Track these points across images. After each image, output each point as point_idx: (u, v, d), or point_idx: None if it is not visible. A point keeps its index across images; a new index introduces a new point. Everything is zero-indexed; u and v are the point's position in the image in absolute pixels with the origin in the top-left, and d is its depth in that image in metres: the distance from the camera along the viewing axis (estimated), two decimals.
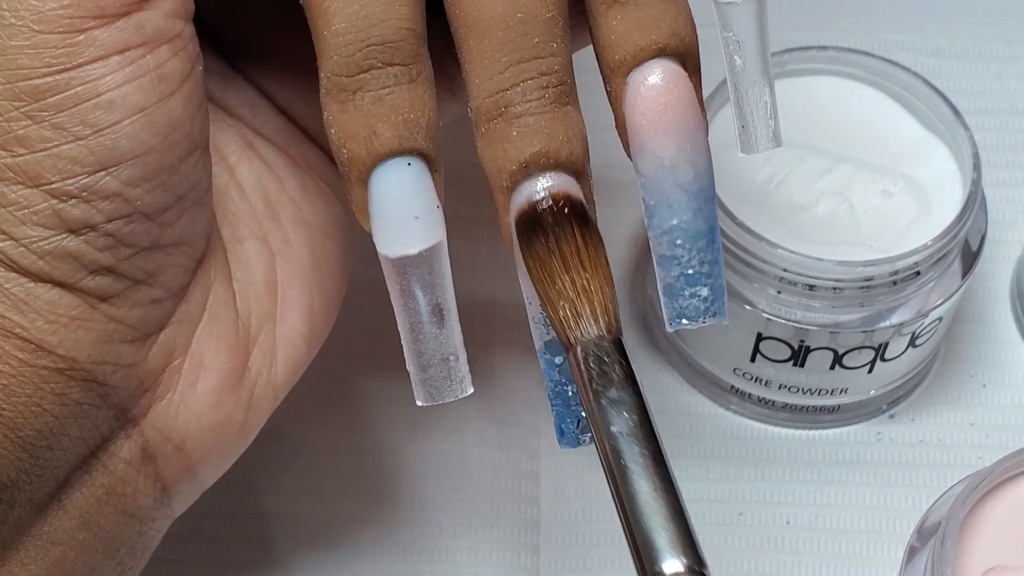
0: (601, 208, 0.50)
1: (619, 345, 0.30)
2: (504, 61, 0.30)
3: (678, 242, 0.31)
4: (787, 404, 0.46)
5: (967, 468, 0.44)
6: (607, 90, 0.32)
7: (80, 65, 0.30)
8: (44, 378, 0.31)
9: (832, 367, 0.44)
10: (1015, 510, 0.39)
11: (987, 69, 0.54)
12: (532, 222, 0.31)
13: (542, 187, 0.30)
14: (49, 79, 0.30)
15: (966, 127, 0.43)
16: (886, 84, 0.45)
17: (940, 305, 0.43)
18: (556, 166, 0.31)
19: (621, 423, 0.30)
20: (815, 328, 0.42)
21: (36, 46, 0.30)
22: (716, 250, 0.32)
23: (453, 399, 0.32)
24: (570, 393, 0.32)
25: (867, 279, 0.41)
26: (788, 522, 0.45)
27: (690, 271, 0.32)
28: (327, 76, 0.30)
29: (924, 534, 0.40)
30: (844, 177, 0.43)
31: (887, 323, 0.42)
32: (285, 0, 0.35)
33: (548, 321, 0.31)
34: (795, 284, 0.41)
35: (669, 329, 0.32)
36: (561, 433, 0.33)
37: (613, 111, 0.32)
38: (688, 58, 0.31)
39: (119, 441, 0.33)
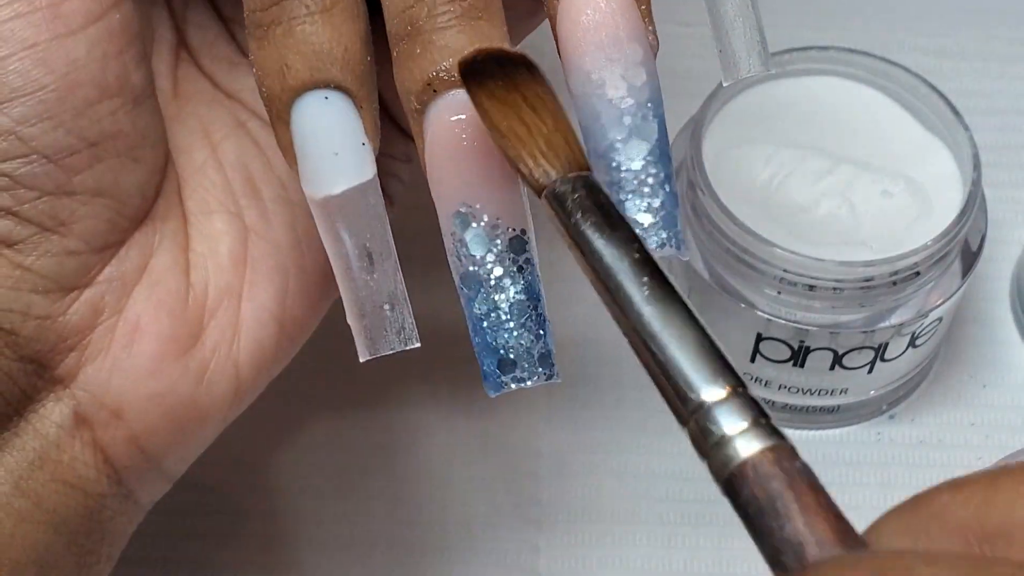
0: None
1: (594, 182, 0.27)
2: None
3: (614, 164, 0.29)
4: (787, 404, 0.46)
5: (967, 468, 0.44)
6: (547, 14, 0.30)
7: None
8: None
9: (832, 367, 0.44)
10: None
11: (988, 69, 0.54)
12: (476, 68, 0.28)
13: (447, 102, 0.29)
14: None
15: (966, 127, 0.43)
16: (886, 84, 0.45)
17: (940, 305, 0.43)
18: (462, 81, 0.29)
19: (611, 254, 0.26)
20: (815, 328, 0.42)
21: None
22: (661, 172, 0.29)
23: (392, 351, 0.30)
24: (486, 328, 0.29)
25: (867, 279, 0.41)
26: None
27: (630, 195, 0.29)
28: (246, 15, 0.30)
29: None
30: (844, 177, 0.43)
31: (887, 323, 0.42)
32: None
33: (518, 167, 0.28)
34: (795, 284, 0.41)
35: None
36: (484, 377, 0.30)
37: (552, 33, 0.30)
38: None
39: (48, 404, 0.32)
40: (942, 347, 0.48)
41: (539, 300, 0.30)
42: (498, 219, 0.29)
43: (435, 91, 0.29)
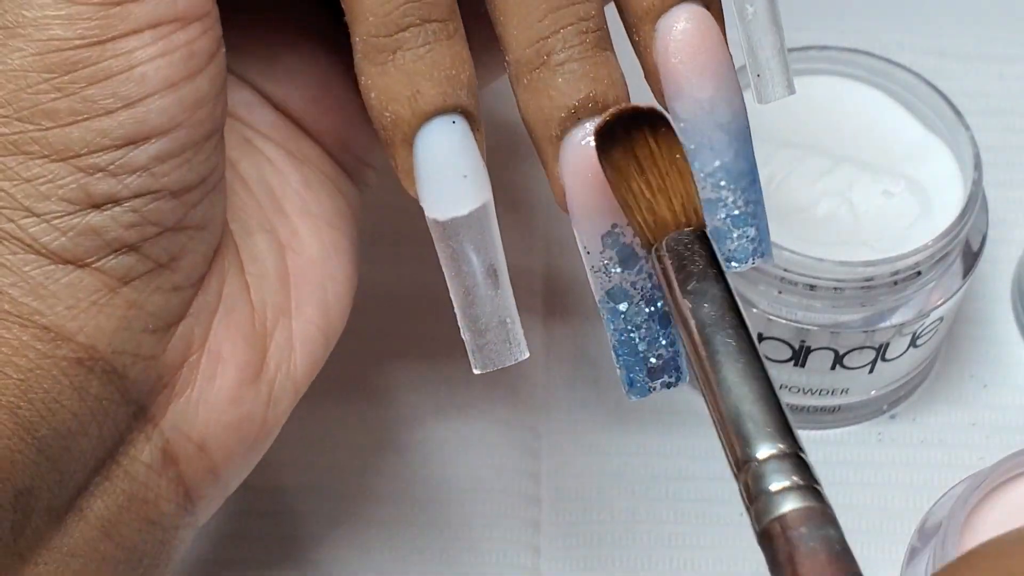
0: None
1: (702, 237, 0.30)
2: (542, 9, 0.30)
3: (722, 183, 0.31)
4: (788, 404, 0.46)
5: (968, 468, 0.44)
6: (633, 40, 0.32)
7: (114, 38, 0.29)
8: (63, 370, 0.30)
9: (833, 367, 0.44)
10: (1016, 510, 0.39)
11: (988, 69, 0.54)
12: (605, 133, 0.30)
13: (592, 128, 0.30)
14: (82, 51, 0.29)
15: (967, 127, 0.43)
16: (887, 84, 0.45)
17: (941, 305, 0.43)
18: (604, 110, 0.30)
19: (704, 313, 0.29)
20: (816, 328, 0.42)
21: (70, 17, 0.29)
22: (758, 190, 0.32)
23: (512, 363, 0.32)
24: (636, 340, 0.32)
25: (868, 279, 0.41)
26: None
27: (736, 212, 0.32)
28: (362, 39, 0.30)
29: (925, 535, 0.40)
30: (845, 177, 0.43)
31: (888, 323, 0.42)
32: (280, 1, 0.35)
33: (633, 230, 0.30)
34: (796, 284, 0.41)
35: None
36: (631, 384, 0.32)
37: (642, 61, 0.32)
38: (712, 2, 0.32)
39: (139, 444, 0.32)
40: (943, 347, 0.48)
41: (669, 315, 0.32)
42: (636, 239, 0.31)
43: (579, 118, 0.30)
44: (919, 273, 0.41)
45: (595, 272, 0.31)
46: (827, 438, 0.47)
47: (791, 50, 0.45)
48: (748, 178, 0.32)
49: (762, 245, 0.32)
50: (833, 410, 0.46)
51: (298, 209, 0.35)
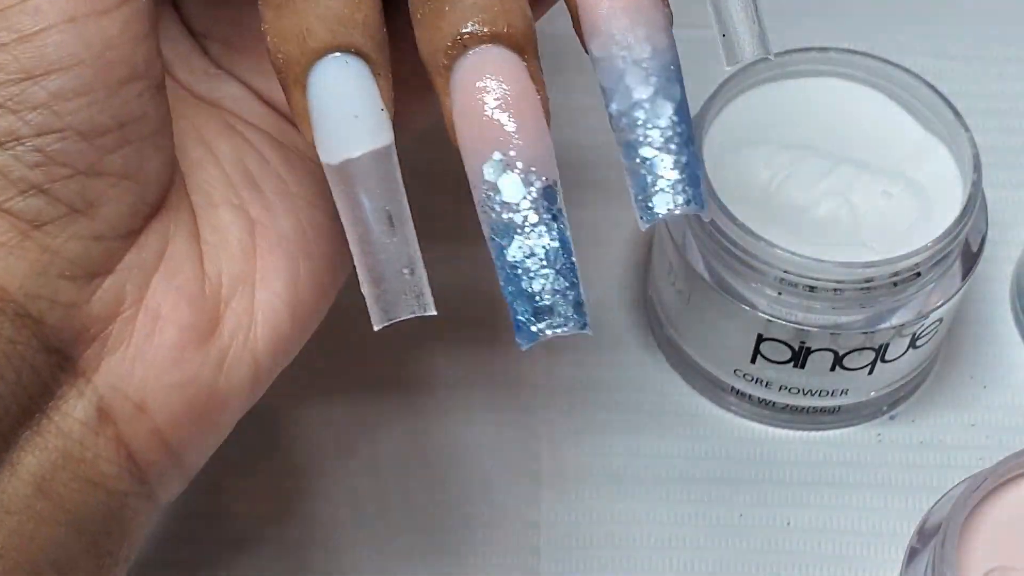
0: (600, 209, 0.50)
1: None
2: None
3: (639, 121, 0.30)
4: (787, 405, 0.46)
5: (968, 469, 0.44)
6: None
7: None
8: None
9: (832, 368, 0.44)
10: (1016, 511, 0.39)
11: (988, 70, 0.54)
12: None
13: (478, 57, 0.29)
14: None
15: (966, 128, 0.43)
16: (886, 85, 0.45)
17: (940, 306, 0.43)
18: (493, 38, 0.29)
19: None
20: (815, 329, 0.42)
21: None
22: (684, 134, 0.30)
23: (410, 315, 0.30)
24: (520, 275, 0.29)
25: (868, 280, 0.41)
26: (788, 523, 0.45)
27: (653, 155, 0.30)
28: None
29: (925, 535, 0.40)
30: (844, 178, 0.43)
31: (887, 324, 0.42)
32: None
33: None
34: (795, 285, 0.41)
35: (642, 226, 0.30)
36: (518, 327, 0.30)
37: (567, 4, 0.31)
38: None
39: (71, 399, 0.31)
40: (943, 348, 0.48)
41: (571, 250, 0.30)
42: (532, 168, 0.29)
43: (465, 47, 0.29)
44: (919, 274, 0.42)
45: (480, 207, 0.30)
46: (827, 439, 0.47)
47: (791, 51, 0.45)
48: (671, 119, 0.30)
49: (688, 190, 0.30)
50: (833, 411, 0.46)
51: (275, 188, 0.35)
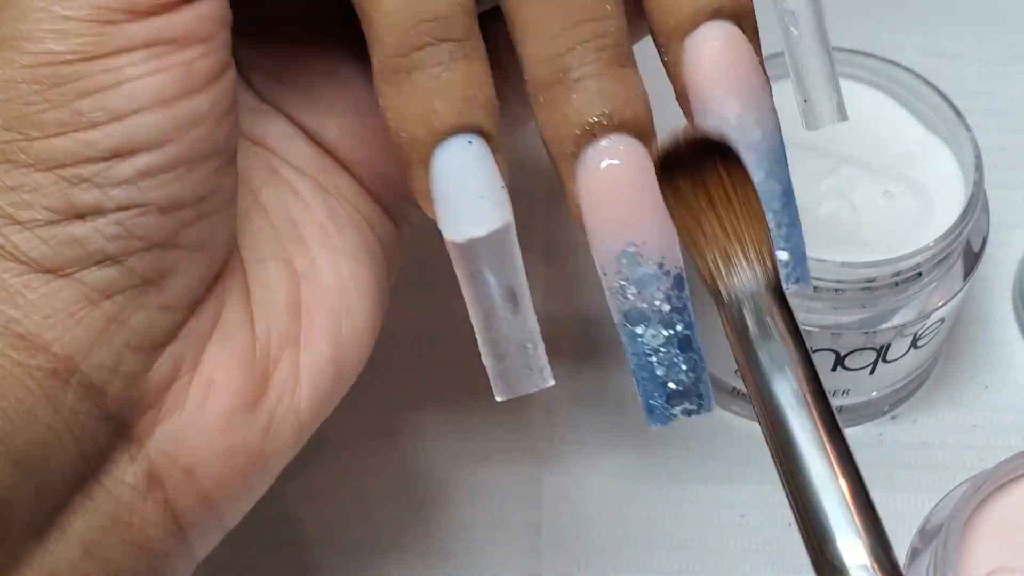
0: None
1: (778, 293, 0.28)
2: (559, 25, 0.30)
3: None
4: None
5: (969, 470, 0.44)
6: (664, 59, 0.31)
7: (106, 55, 0.29)
8: (37, 381, 0.30)
9: (834, 368, 0.44)
10: (1017, 512, 0.39)
11: (989, 70, 0.54)
12: (670, 159, 0.29)
13: (608, 146, 0.30)
14: (73, 66, 0.29)
15: (968, 128, 0.43)
16: (888, 85, 0.45)
17: (942, 306, 0.43)
18: (620, 127, 0.30)
19: (784, 384, 0.27)
20: (817, 329, 0.42)
21: (64, 33, 0.29)
22: (792, 213, 0.31)
23: (534, 390, 0.31)
24: (655, 362, 0.31)
25: (869, 280, 0.41)
26: (789, 524, 0.45)
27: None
28: (379, 60, 0.30)
29: (926, 536, 0.40)
30: (846, 178, 0.43)
31: (889, 324, 0.42)
32: (318, 28, 0.35)
33: (697, 270, 0.29)
34: None
35: None
36: (650, 411, 0.31)
37: (672, 79, 0.31)
38: (745, 19, 0.31)
39: (122, 464, 0.31)
40: (944, 348, 0.48)
41: (697, 337, 0.31)
42: (663, 258, 0.30)
43: (594, 135, 0.30)
44: (920, 274, 0.41)
45: (612, 293, 0.31)
46: None
47: None
48: (781, 200, 0.31)
49: (796, 270, 0.31)
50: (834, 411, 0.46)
51: (319, 241, 0.35)
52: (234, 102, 0.32)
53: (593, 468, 0.46)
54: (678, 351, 0.31)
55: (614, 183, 0.30)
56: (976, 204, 0.42)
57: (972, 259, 0.43)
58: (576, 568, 0.44)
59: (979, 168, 0.42)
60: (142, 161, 0.30)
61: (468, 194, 0.30)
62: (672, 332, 0.31)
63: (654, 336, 0.30)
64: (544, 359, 0.31)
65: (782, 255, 0.31)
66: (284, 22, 0.36)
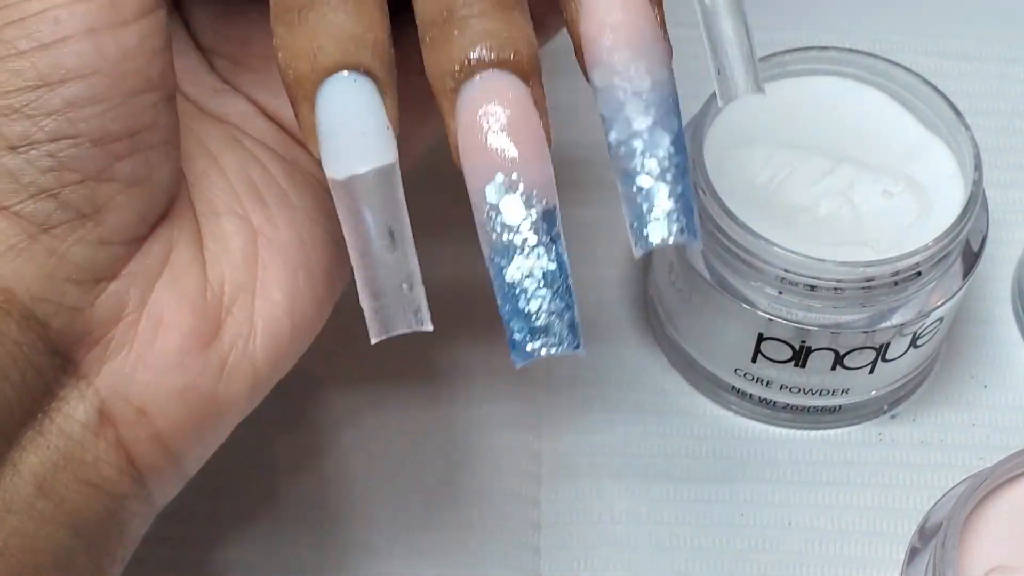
0: (600, 209, 0.50)
1: None
2: None
3: (637, 151, 0.30)
4: (788, 404, 0.46)
5: (968, 469, 0.44)
6: (564, 17, 0.31)
7: None
8: None
9: (833, 368, 0.44)
10: (1017, 511, 0.39)
11: (988, 70, 0.54)
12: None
13: (484, 80, 0.30)
14: None
15: (967, 127, 0.43)
16: (887, 84, 0.45)
17: (941, 305, 0.43)
18: (500, 64, 0.30)
19: None
20: (816, 328, 0.42)
21: None
22: (681, 162, 0.30)
23: (407, 330, 0.31)
24: (518, 295, 0.30)
25: (868, 279, 0.41)
26: (789, 523, 0.45)
27: (655, 182, 0.30)
28: (275, 1, 0.31)
29: (925, 535, 0.40)
30: (845, 178, 0.43)
31: (888, 323, 0.42)
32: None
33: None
34: (796, 284, 0.41)
35: (636, 253, 0.30)
36: (513, 346, 0.30)
37: (570, 34, 0.31)
38: None
39: (72, 401, 0.32)
40: (943, 347, 0.48)
41: (568, 273, 0.30)
42: (533, 191, 0.30)
43: (472, 71, 0.30)
44: (919, 273, 0.41)
45: (481, 226, 0.31)
46: (828, 438, 0.47)
47: (792, 50, 0.45)
48: (667, 150, 0.30)
49: (681, 219, 0.30)
50: (833, 410, 0.46)
51: (277, 201, 0.35)
52: (167, 42, 0.32)
53: (593, 468, 0.46)
54: (542, 285, 0.30)
55: (489, 117, 0.30)
56: (975, 203, 0.42)
57: (971, 258, 0.43)
58: (576, 568, 0.44)
59: (978, 167, 0.42)
60: (70, 91, 0.30)
61: (350, 131, 0.30)
62: (538, 264, 0.30)
63: (518, 269, 0.30)
64: (422, 301, 0.31)
65: (667, 204, 0.30)
66: (243, 5, 0.36)
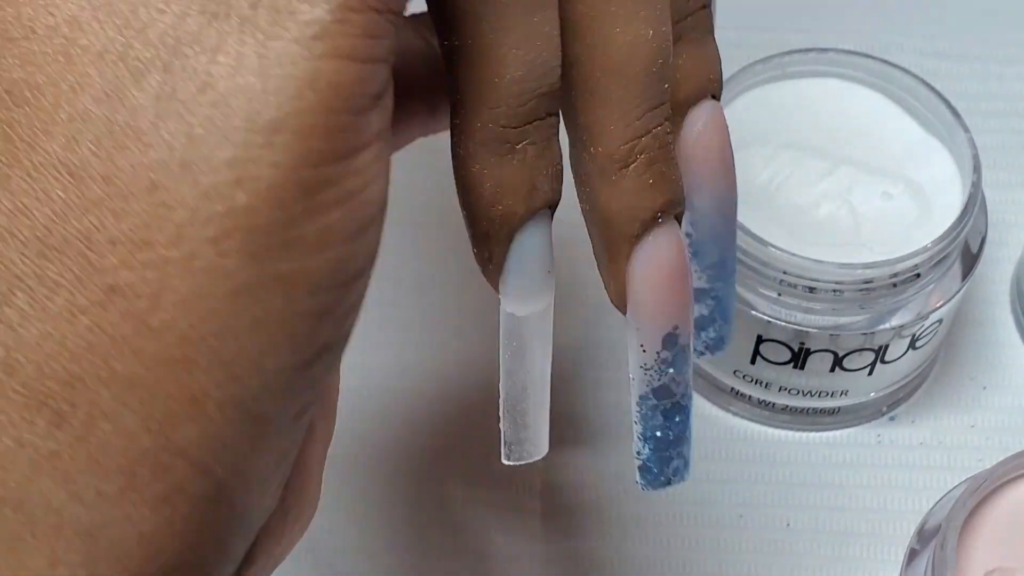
0: None
1: None
2: (642, 108, 0.29)
3: (715, 276, 0.32)
4: (787, 406, 0.46)
5: (967, 470, 0.44)
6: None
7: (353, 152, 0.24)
8: None
9: (832, 369, 0.44)
10: (1015, 512, 0.39)
11: (987, 71, 0.54)
12: None
13: (666, 231, 0.30)
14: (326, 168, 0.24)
15: (966, 129, 0.43)
16: (886, 86, 0.45)
17: (940, 307, 0.43)
18: (677, 214, 0.30)
19: None
20: (815, 330, 0.42)
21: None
22: (733, 285, 0.33)
23: (539, 458, 0.33)
24: (671, 438, 0.32)
25: (867, 281, 0.41)
26: (788, 524, 0.45)
27: (714, 304, 0.33)
28: (486, 126, 0.28)
29: (924, 536, 0.40)
30: (845, 179, 0.43)
31: (887, 325, 0.42)
32: None
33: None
34: (795, 286, 0.41)
35: (698, 357, 0.32)
36: (650, 475, 0.32)
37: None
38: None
39: None
40: (942, 349, 0.48)
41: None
42: (688, 337, 0.31)
43: (661, 222, 0.30)
44: (918, 275, 0.42)
45: (647, 369, 0.31)
46: (826, 440, 0.47)
47: (791, 52, 0.45)
48: (732, 274, 0.32)
49: (725, 340, 0.33)
50: (832, 412, 0.46)
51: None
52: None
53: (592, 468, 0.46)
54: (683, 433, 0.32)
55: (671, 268, 0.30)
56: (974, 205, 0.42)
57: (970, 260, 0.43)
58: (576, 567, 0.44)
59: (977, 169, 0.42)
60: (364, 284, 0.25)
61: (543, 268, 0.30)
62: (685, 411, 0.32)
63: (680, 416, 0.32)
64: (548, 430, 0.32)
65: (725, 327, 0.32)
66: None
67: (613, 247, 0.30)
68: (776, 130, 0.44)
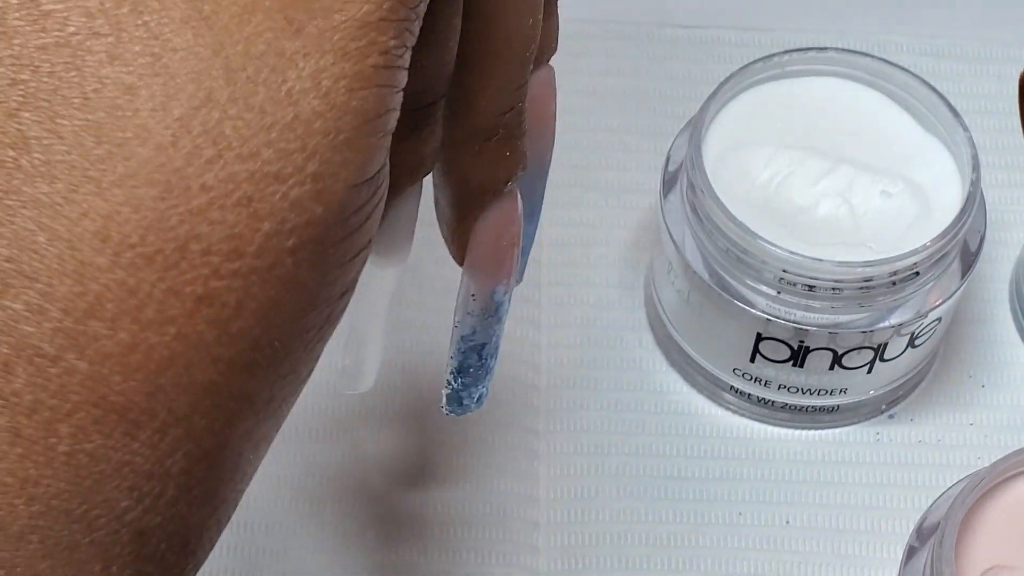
0: (600, 209, 0.50)
1: None
2: (516, 82, 0.30)
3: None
4: (786, 404, 0.46)
5: (966, 468, 0.44)
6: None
7: None
8: None
9: (831, 367, 0.44)
10: (1014, 510, 0.39)
11: (986, 70, 0.54)
12: None
13: (510, 198, 0.32)
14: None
15: (965, 128, 0.43)
16: (886, 85, 0.45)
17: (939, 306, 0.43)
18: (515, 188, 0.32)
19: None
20: (814, 328, 0.42)
21: None
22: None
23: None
24: (482, 373, 0.34)
25: (866, 280, 0.41)
26: (787, 522, 0.45)
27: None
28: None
29: (923, 534, 0.40)
30: (844, 178, 0.43)
31: (886, 323, 0.43)
32: None
33: None
34: (795, 285, 0.41)
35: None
36: (458, 401, 0.35)
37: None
38: None
39: None
40: (941, 347, 0.48)
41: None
42: (508, 296, 0.34)
43: (508, 190, 0.31)
44: (917, 273, 0.42)
45: (473, 315, 0.34)
46: (825, 438, 0.47)
47: (791, 51, 0.45)
48: (536, 219, 0.35)
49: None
50: (831, 410, 0.46)
51: None
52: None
53: (592, 466, 0.46)
54: (491, 368, 0.35)
55: (509, 234, 0.32)
56: (973, 204, 0.42)
57: (969, 259, 0.43)
58: (576, 567, 0.44)
59: (976, 168, 0.42)
60: None
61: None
62: (496, 354, 0.35)
63: (479, 351, 0.34)
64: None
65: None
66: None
67: (463, 209, 0.32)
68: (776, 129, 0.44)
